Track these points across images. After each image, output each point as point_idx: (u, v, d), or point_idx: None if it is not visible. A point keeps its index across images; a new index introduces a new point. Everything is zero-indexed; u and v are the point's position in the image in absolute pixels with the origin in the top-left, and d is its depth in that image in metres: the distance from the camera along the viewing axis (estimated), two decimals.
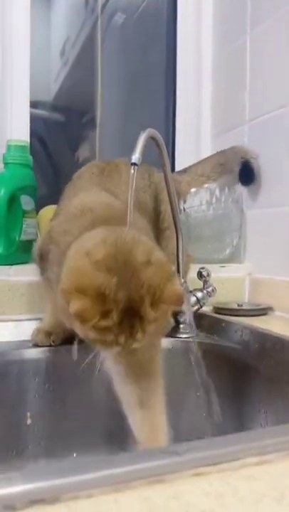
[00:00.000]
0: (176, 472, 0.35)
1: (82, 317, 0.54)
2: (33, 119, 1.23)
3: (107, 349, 0.60)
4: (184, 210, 1.16)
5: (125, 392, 0.72)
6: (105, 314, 0.55)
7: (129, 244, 0.59)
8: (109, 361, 0.68)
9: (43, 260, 0.79)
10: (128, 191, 0.71)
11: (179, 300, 0.59)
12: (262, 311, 1.03)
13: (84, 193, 0.84)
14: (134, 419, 0.72)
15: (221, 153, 1.16)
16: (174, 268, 0.64)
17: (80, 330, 0.59)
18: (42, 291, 0.87)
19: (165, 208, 0.99)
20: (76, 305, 0.53)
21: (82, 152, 1.50)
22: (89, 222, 0.70)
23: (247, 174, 1.13)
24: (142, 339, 0.57)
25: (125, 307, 0.55)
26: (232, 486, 0.34)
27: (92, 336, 0.57)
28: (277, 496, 0.33)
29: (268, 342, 0.80)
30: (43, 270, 0.81)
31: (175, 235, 0.91)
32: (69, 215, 0.78)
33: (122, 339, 0.56)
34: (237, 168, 1.13)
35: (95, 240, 0.61)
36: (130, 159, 0.73)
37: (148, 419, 0.71)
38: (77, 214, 0.76)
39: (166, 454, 0.36)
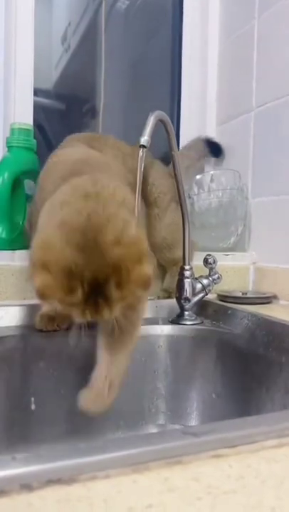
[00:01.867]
0: (195, 453, 0.35)
1: (43, 293, 0.53)
2: (33, 106, 1.21)
3: (78, 317, 0.58)
4: (189, 197, 1.15)
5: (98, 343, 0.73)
6: (70, 291, 0.54)
7: (103, 217, 0.57)
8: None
9: (30, 230, 0.77)
10: (117, 155, 0.68)
11: (146, 283, 0.56)
12: (266, 300, 1.03)
13: (64, 149, 0.82)
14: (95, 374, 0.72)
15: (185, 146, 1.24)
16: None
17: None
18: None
19: (153, 181, 0.98)
20: (39, 280, 0.52)
21: None
22: (65, 171, 0.67)
23: (213, 147, 1.25)
24: (109, 315, 0.56)
25: (90, 285, 0.54)
26: (253, 468, 0.33)
27: (60, 308, 0.57)
28: None
29: (274, 329, 0.80)
30: (29, 242, 0.80)
31: (165, 214, 0.90)
32: (46, 169, 0.77)
33: (87, 314, 0.56)
34: (204, 147, 1.24)
35: (69, 209, 0.58)
36: (138, 141, 0.71)
37: (106, 376, 0.71)
38: (53, 166, 0.74)
39: (185, 435, 0.35)
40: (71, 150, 0.79)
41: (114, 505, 0.29)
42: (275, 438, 0.37)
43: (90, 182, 0.61)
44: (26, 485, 0.30)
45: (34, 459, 0.32)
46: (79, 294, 0.54)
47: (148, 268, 0.56)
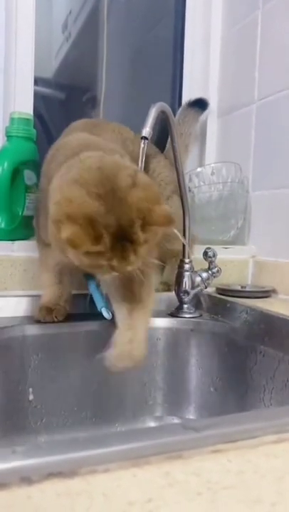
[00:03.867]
0: (195, 448, 0.35)
1: (73, 243, 0.55)
2: (33, 96, 1.20)
3: (103, 273, 0.61)
4: (189, 190, 1.15)
5: (116, 309, 0.74)
6: (97, 239, 0.56)
7: (114, 168, 0.60)
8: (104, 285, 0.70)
9: (36, 220, 0.79)
10: (116, 140, 0.69)
11: (169, 221, 0.59)
12: (265, 293, 1.03)
13: (65, 138, 0.83)
14: (117, 318, 0.74)
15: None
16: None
17: (74, 257, 0.60)
18: (38, 263, 0.86)
19: (154, 169, 0.99)
20: (67, 232, 0.55)
21: None
22: (68, 153, 0.69)
23: (196, 104, 1.26)
24: (135, 261, 0.59)
25: (116, 231, 0.56)
26: (252, 464, 0.34)
27: (87, 262, 0.58)
28: None
29: (272, 323, 0.80)
30: (38, 233, 0.81)
31: (174, 207, 0.90)
32: (48, 158, 0.79)
33: (114, 262, 0.58)
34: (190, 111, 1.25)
35: (78, 168, 0.61)
36: (140, 133, 0.71)
37: (129, 331, 0.71)
38: (55, 152, 0.76)
39: (185, 430, 0.35)
40: (71, 137, 0.80)
41: (114, 499, 0.29)
42: (275, 433, 0.37)
43: (94, 154, 0.63)
44: (26, 478, 0.30)
45: (34, 451, 0.32)
46: (106, 241, 0.56)
47: (167, 207, 0.59)
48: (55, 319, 0.81)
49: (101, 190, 0.57)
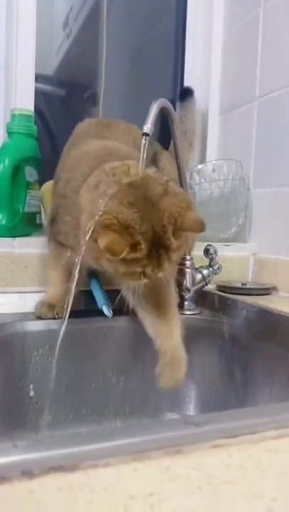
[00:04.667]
0: (196, 443, 0.35)
1: (112, 250, 0.56)
2: (34, 93, 1.20)
3: (135, 281, 0.62)
4: (190, 187, 1.14)
5: (145, 318, 0.76)
6: (134, 246, 0.57)
7: (144, 177, 0.61)
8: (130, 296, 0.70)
9: (53, 224, 0.80)
10: (127, 141, 0.70)
11: (201, 226, 0.61)
12: (266, 291, 1.02)
13: (81, 145, 0.83)
14: (153, 329, 0.75)
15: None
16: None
17: (109, 265, 0.61)
18: (47, 261, 0.86)
19: (163, 166, 0.99)
20: (106, 240, 0.56)
21: None
22: (91, 163, 0.70)
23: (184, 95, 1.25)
24: (168, 268, 0.60)
25: (151, 238, 0.57)
26: (253, 459, 0.34)
27: (122, 270, 0.60)
28: None
29: (273, 320, 0.80)
30: (53, 235, 0.81)
31: None
32: (69, 166, 0.79)
33: (149, 269, 0.59)
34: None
35: (107, 181, 0.62)
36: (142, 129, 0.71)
37: (164, 326, 0.73)
38: (76, 162, 0.77)
39: (186, 425, 0.35)
40: (90, 146, 0.82)
41: (115, 493, 0.29)
42: (275, 429, 0.37)
43: (120, 164, 0.65)
44: (27, 472, 0.30)
45: (35, 446, 0.32)
46: (143, 248, 0.57)
47: (198, 213, 0.61)
48: (56, 316, 0.81)
49: (134, 198, 0.59)
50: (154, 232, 0.57)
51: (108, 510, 0.27)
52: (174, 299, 0.76)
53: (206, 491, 0.30)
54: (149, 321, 0.75)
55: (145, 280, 0.60)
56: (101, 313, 0.83)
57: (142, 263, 0.58)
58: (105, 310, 0.83)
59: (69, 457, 0.31)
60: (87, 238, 0.59)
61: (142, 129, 0.73)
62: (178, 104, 1.23)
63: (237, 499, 0.29)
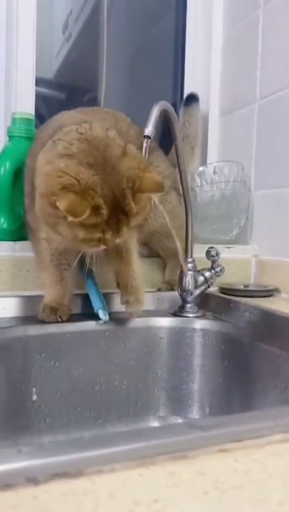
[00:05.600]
0: (201, 448, 0.34)
1: (73, 211, 0.54)
2: (34, 96, 1.20)
3: (90, 247, 0.60)
4: (192, 189, 1.14)
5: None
6: (95, 210, 0.55)
7: (102, 138, 0.59)
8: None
9: (26, 213, 0.79)
10: (105, 119, 0.72)
11: (159, 186, 0.59)
12: (268, 293, 1.02)
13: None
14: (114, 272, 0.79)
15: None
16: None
17: (67, 232, 0.58)
18: (35, 262, 0.85)
19: (152, 160, 0.97)
20: (66, 201, 0.53)
21: None
22: (51, 130, 0.67)
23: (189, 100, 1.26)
24: (126, 234, 0.59)
25: (111, 203, 0.55)
26: (259, 463, 0.33)
27: (81, 235, 0.57)
28: None
29: (275, 322, 0.80)
30: (30, 227, 0.80)
31: (166, 200, 0.90)
32: (33, 142, 0.79)
33: (108, 235, 0.57)
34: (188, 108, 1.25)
35: (66, 140, 0.60)
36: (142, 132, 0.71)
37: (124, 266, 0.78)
38: (38, 134, 0.76)
39: (191, 429, 0.35)
40: (54, 117, 0.81)
41: (120, 499, 0.29)
42: (281, 432, 0.37)
43: (78, 126, 0.62)
44: (32, 478, 0.30)
45: (40, 452, 0.32)
46: (104, 213, 0.55)
47: (156, 173, 0.59)
48: (60, 319, 0.80)
49: (92, 160, 0.56)
50: (114, 196, 0.56)
51: None
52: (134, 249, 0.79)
53: (212, 496, 0.29)
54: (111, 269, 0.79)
55: (103, 246, 0.59)
56: (97, 317, 0.82)
57: (101, 228, 0.56)
58: (101, 314, 0.82)
59: (73, 463, 0.31)
60: (41, 202, 0.58)
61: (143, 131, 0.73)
62: (182, 108, 1.24)
63: (243, 504, 0.29)
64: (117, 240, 0.59)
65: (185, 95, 1.36)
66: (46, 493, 0.29)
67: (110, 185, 0.56)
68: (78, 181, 0.55)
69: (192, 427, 0.35)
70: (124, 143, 0.61)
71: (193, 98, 1.24)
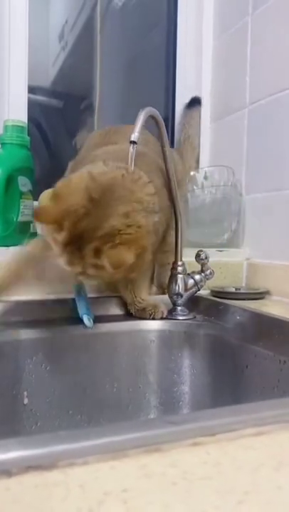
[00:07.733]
0: (174, 441, 0.35)
1: (37, 215, 0.57)
2: (31, 104, 1.21)
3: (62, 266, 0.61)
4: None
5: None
6: (59, 227, 0.56)
7: (124, 187, 0.62)
8: None
9: None
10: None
11: (118, 266, 0.58)
12: (259, 295, 1.03)
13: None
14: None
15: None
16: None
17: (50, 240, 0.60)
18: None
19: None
20: (43, 195, 0.58)
21: (80, 138, 1.48)
22: (95, 156, 0.73)
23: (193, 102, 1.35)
24: (81, 271, 0.59)
25: (77, 235, 0.56)
26: (229, 455, 0.34)
27: (52, 245, 0.59)
28: (274, 464, 0.33)
29: (264, 324, 0.80)
30: None
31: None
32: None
33: (62, 261, 0.59)
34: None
35: (97, 166, 0.64)
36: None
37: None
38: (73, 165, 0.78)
39: (165, 424, 0.36)
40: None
41: (90, 490, 0.29)
42: (254, 427, 0.38)
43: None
44: (6, 471, 0.31)
45: (14, 445, 0.32)
46: (63, 235, 0.56)
47: (129, 256, 0.57)
48: None
49: (97, 196, 0.58)
50: (82, 233, 0.57)
51: (82, 505, 0.28)
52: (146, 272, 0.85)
53: (180, 487, 0.30)
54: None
55: (68, 268, 0.60)
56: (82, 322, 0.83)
57: (59, 249, 0.58)
58: (86, 320, 0.82)
59: (47, 456, 0.32)
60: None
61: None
62: (183, 111, 1.30)
63: (210, 494, 0.30)
64: (75, 271, 0.60)
65: (177, 101, 1.39)
66: (19, 484, 0.30)
67: (90, 224, 0.57)
68: (68, 197, 0.57)
69: (166, 421, 0.36)
70: (133, 208, 0.61)
71: (196, 101, 1.30)
